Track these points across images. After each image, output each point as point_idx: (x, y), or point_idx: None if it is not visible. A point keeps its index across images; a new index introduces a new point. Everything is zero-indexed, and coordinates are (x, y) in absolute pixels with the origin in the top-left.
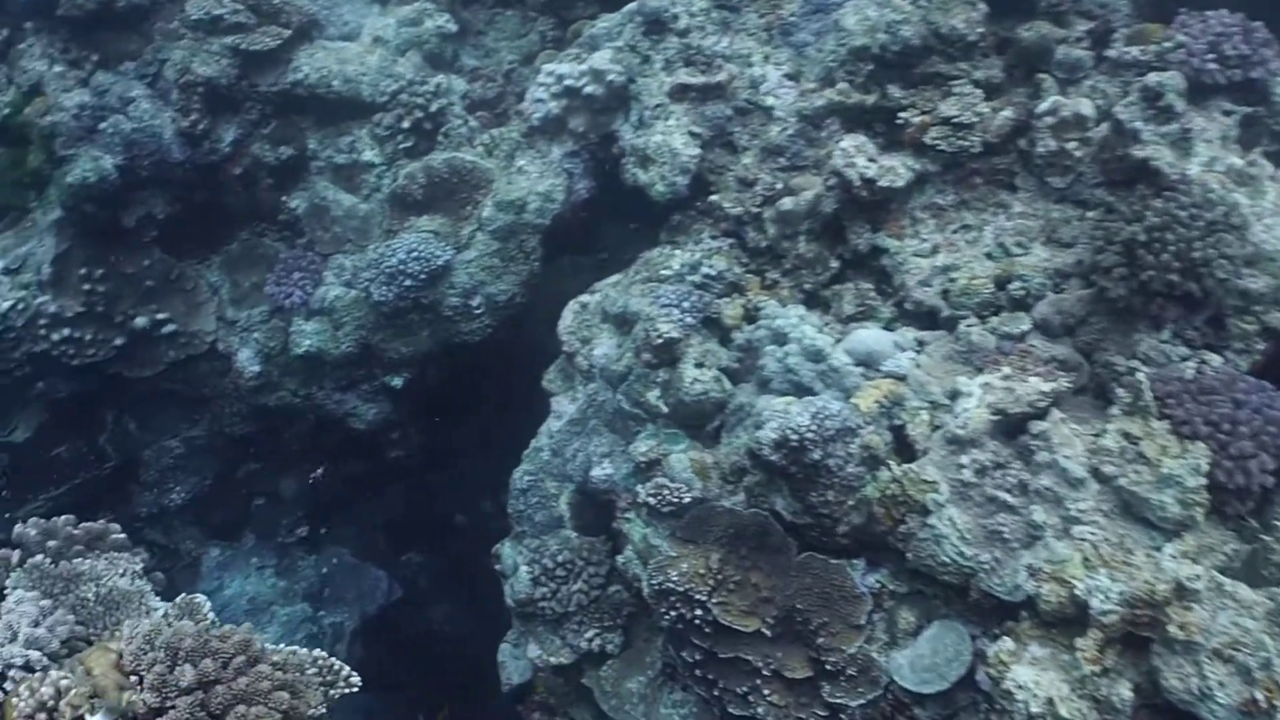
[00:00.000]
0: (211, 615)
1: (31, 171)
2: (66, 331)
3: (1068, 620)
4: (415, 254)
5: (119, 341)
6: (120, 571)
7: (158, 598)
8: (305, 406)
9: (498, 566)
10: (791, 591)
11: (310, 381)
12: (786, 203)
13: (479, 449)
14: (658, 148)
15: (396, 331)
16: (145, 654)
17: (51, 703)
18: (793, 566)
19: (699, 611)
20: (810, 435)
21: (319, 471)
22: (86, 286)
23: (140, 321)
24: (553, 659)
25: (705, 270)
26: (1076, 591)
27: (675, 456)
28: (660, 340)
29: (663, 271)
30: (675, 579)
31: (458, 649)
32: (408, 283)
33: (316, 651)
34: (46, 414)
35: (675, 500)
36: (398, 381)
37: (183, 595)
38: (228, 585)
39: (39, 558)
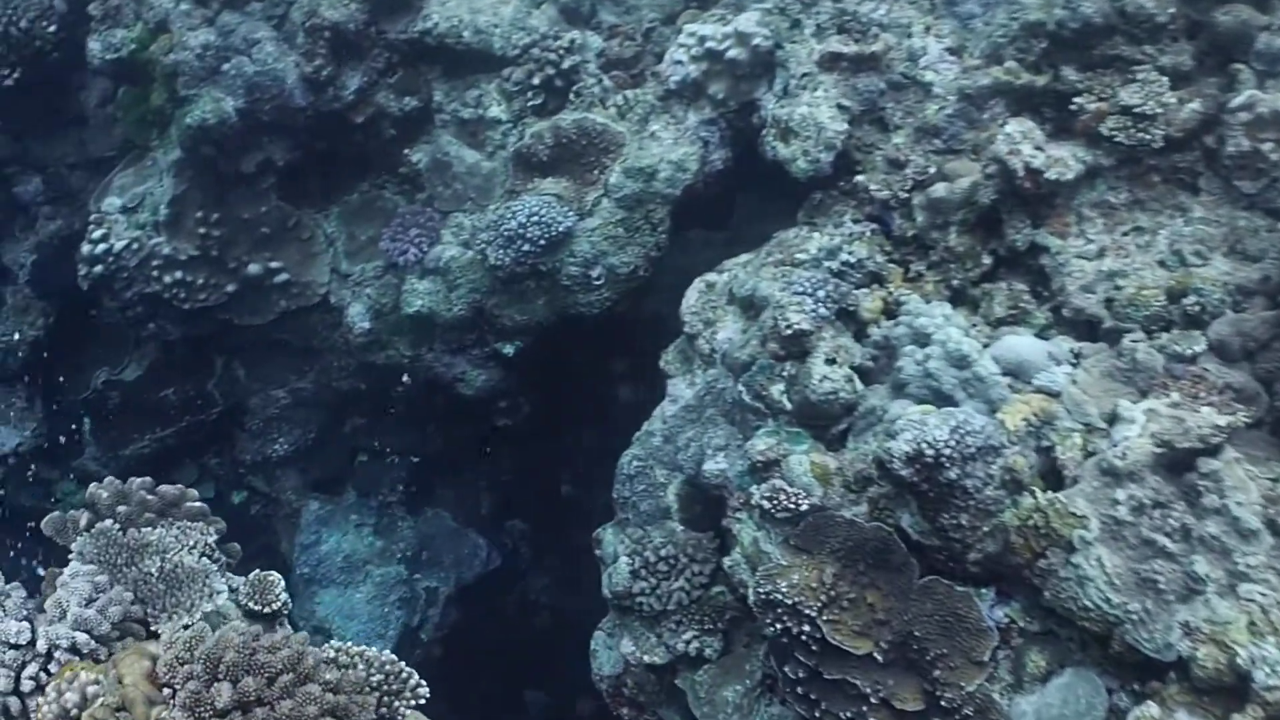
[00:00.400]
0: (284, 597)
1: (154, 110)
2: (179, 274)
3: (1224, 690)
4: (536, 218)
5: (231, 288)
6: (191, 544)
7: (225, 576)
8: (413, 368)
9: (598, 552)
10: (910, 616)
11: (420, 342)
12: (939, 189)
13: (591, 423)
14: (802, 120)
15: (512, 298)
16: (181, 665)
17: (75, 711)
18: (914, 589)
19: (806, 627)
20: (948, 451)
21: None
22: (202, 230)
23: (253, 269)
24: (646, 657)
25: (844, 257)
26: (1238, 659)
27: (795, 458)
28: (789, 331)
29: (798, 255)
30: (784, 590)
31: (555, 623)
32: (526, 248)
33: (386, 655)
34: (158, 355)
35: (791, 506)
36: (509, 349)
37: (255, 573)
38: (325, 540)
39: (108, 523)
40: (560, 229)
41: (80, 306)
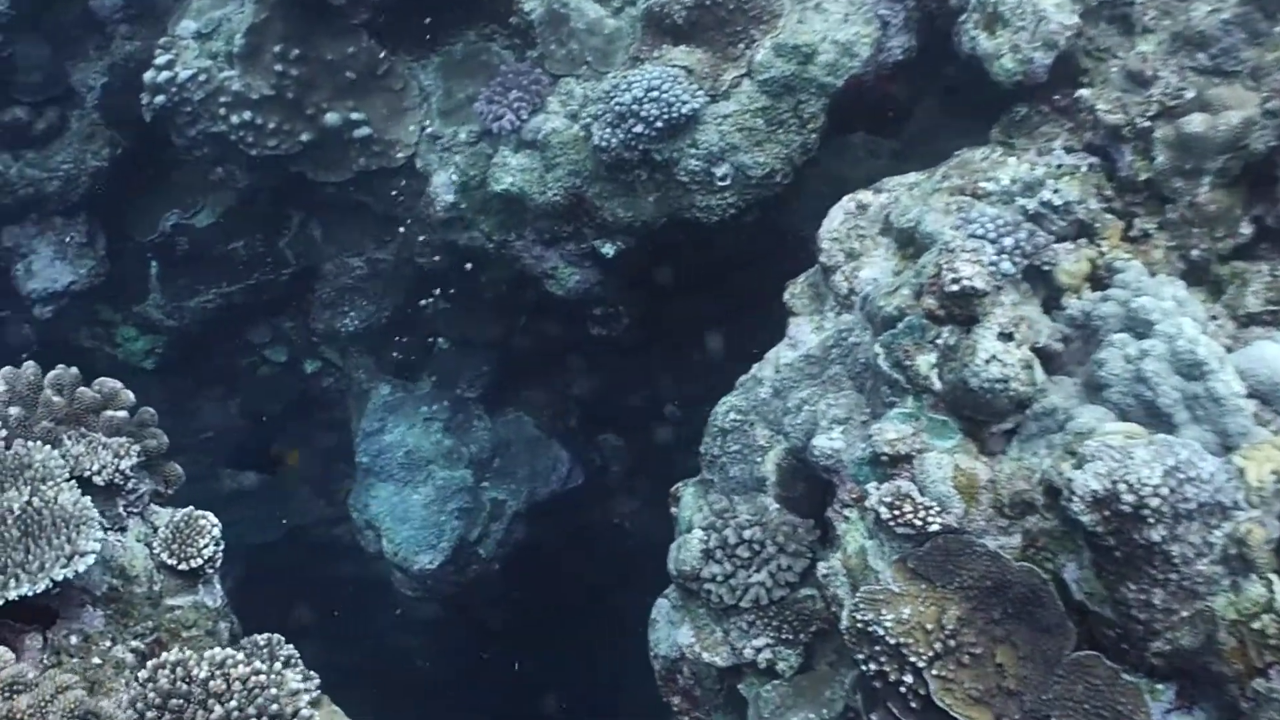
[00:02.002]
0: (210, 552)
1: None
2: (248, 115)
3: None
4: (655, 94)
5: (305, 137)
6: (93, 468)
7: (141, 514)
8: (497, 255)
9: (674, 510)
10: (1051, 696)
11: (507, 226)
12: (1196, 122)
13: (701, 345)
14: (1017, 4)
15: (617, 188)
16: None
17: None
18: (1064, 662)
19: (909, 678)
20: (1155, 501)
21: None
22: (279, 67)
23: (331, 118)
24: (706, 655)
25: (1046, 195)
26: None
27: (935, 458)
28: (955, 286)
29: (984, 184)
30: (889, 624)
31: (641, 554)
32: (638, 129)
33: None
34: (233, 203)
35: (917, 522)
36: (609, 249)
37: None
38: (390, 430)
39: None
40: (683, 111)
41: (153, 139)
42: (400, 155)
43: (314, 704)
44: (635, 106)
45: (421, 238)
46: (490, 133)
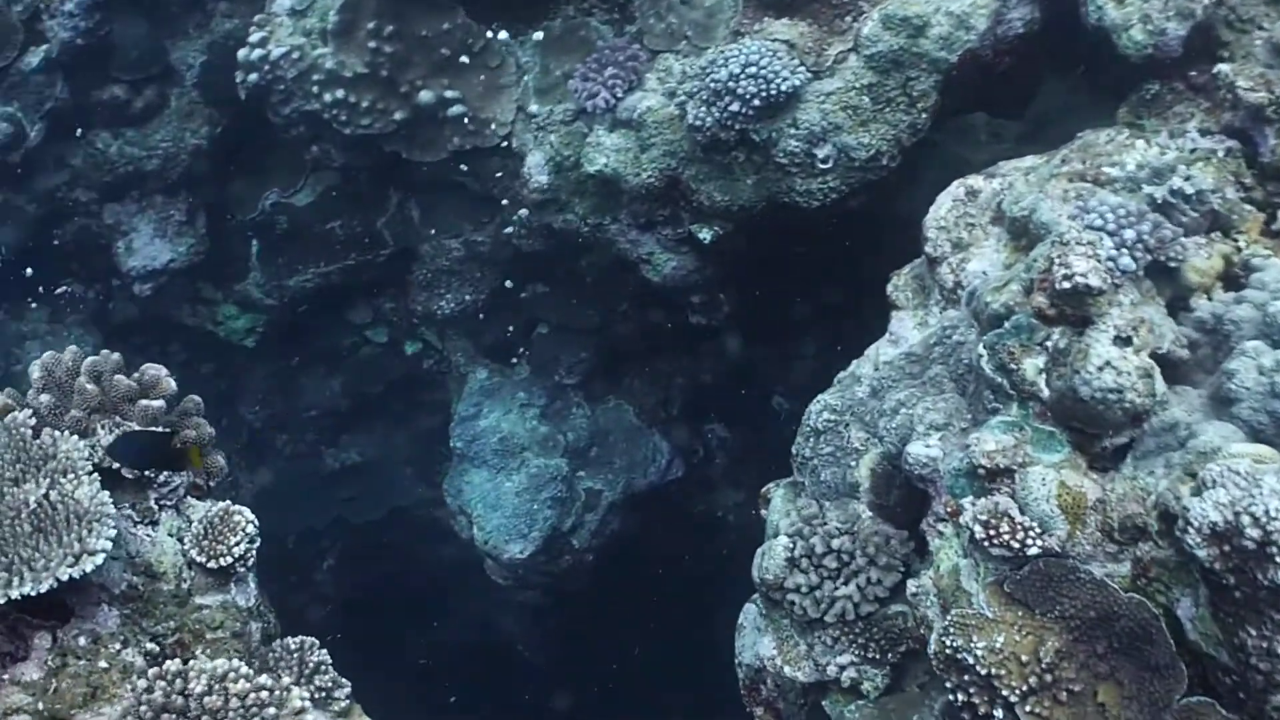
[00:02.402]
0: (242, 549)
1: None
2: (340, 93)
3: None
4: (752, 69)
5: (399, 115)
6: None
7: (116, 530)
8: (593, 239)
9: (763, 513)
10: None
11: (602, 209)
12: None
13: (811, 333)
14: None
15: (713, 170)
16: None
17: None
18: (1172, 707)
19: (1000, 713)
20: None
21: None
22: (372, 44)
23: (425, 96)
24: (787, 669)
25: (1177, 183)
26: None
27: (1039, 473)
28: (1068, 283)
29: (1108, 169)
30: (980, 652)
31: (744, 545)
32: (734, 107)
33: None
34: (332, 182)
35: (1015, 544)
36: (707, 234)
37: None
38: (485, 415)
39: (22, 415)
40: (782, 88)
41: (252, 117)
42: (496, 134)
43: (344, 714)
44: (731, 83)
45: (518, 217)
46: (585, 111)
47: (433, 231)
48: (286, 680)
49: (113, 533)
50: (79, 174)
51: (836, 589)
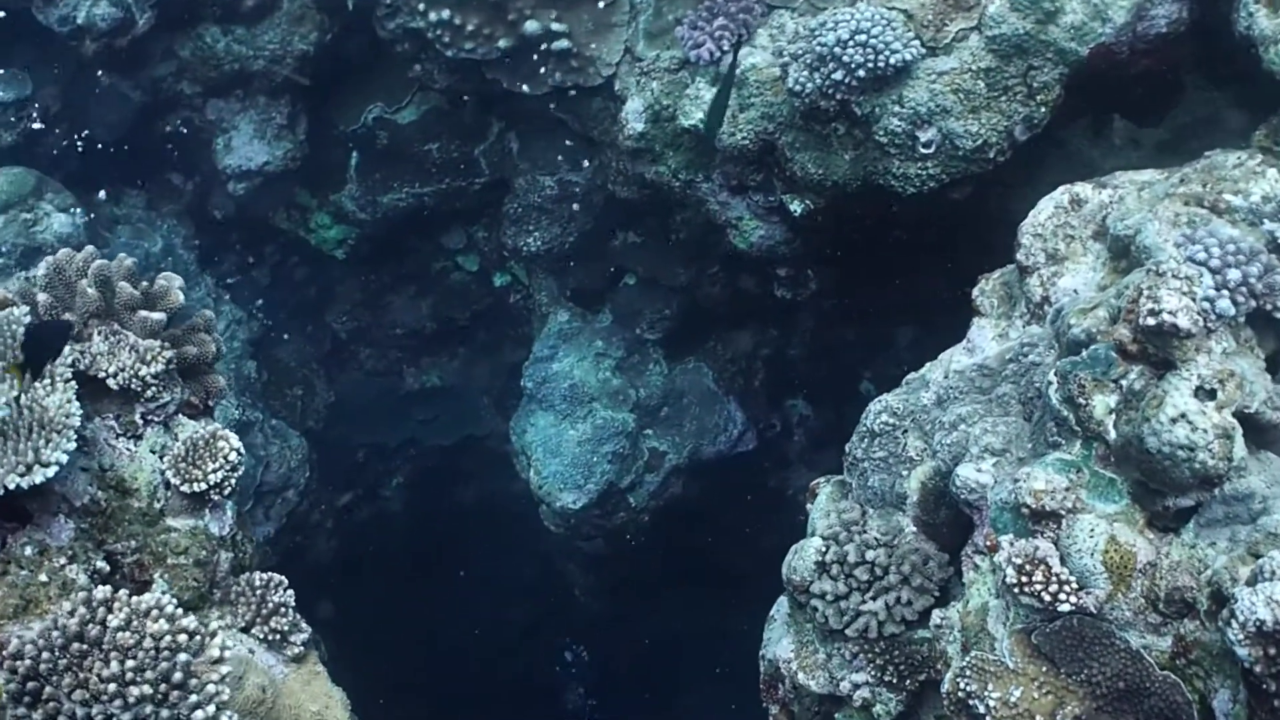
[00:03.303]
0: (220, 476)
1: None
2: (446, 14)
3: None
4: (862, 37)
5: (503, 43)
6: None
7: (164, 425)
8: (683, 196)
9: (809, 506)
10: None
11: (695, 165)
12: None
13: (906, 320)
14: None
15: (810, 139)
16: None
17: None
18: None
19: None
20: None
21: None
22: None
23: (531, 26)
24: (801, 675)
25: None
26: None
27: (1089, 522)
28: (1153, 320)
29: (1229, 196)
30: (994, 703)
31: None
32: (838, 75)
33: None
34: (437, 103)
35: (1047, 596)
36: (797, 206)
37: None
38: (560, 358)
39: (15, 312)
40: (891, 60)
41: (361, 29)
42: (599, 74)
43: (297, 660)
44: (838, 49)
45: (617, 165)
46: (688, 61)
47: (528, 166)
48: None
49: (71, 446)
50: (185, 66)
51: (863, 602)
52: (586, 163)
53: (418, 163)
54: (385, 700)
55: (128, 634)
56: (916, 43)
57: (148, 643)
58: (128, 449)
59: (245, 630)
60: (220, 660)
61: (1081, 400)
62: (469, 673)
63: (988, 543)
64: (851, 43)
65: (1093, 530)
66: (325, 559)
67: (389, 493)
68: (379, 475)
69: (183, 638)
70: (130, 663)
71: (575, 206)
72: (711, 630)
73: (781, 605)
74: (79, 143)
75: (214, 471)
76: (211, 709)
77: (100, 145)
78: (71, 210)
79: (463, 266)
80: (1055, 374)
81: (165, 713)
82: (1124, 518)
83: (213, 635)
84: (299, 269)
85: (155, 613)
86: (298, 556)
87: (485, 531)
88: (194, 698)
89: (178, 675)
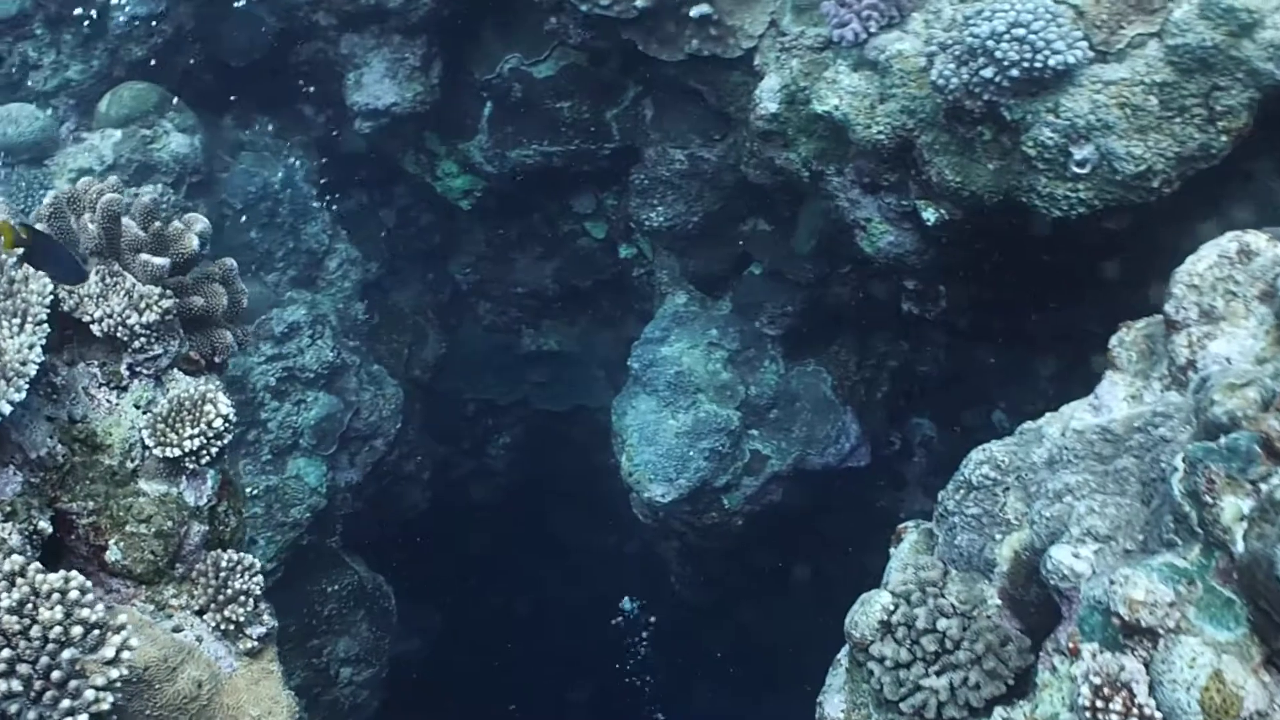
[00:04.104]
0: (197, 445)
1: None
2: None
3: None
4: (1020, 31)
5: (641, 3)
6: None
7: (157, 377)
8: (813, 187)
9: (892, 550)
10: None
11: (826, 156)
12: None
13: (1048, 351)
14: None
15: (953, 143)
16: None
17: None
18: None
19: None
20: None
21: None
22: None
23: None
24: None
25: None
26: None
27: (1192, 647)
28: None
29: None
30: None
31: None
32: (988, 72)
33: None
34: (578, 61)
35: None
36: (931, 215)
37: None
38: (670, 342)
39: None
40: (1050, 62)
41: None
42: (739, 46)
43: (252, 654)
44: (991, 43)
45: (750, 145)
46: (831, 42)
47: (659, 136)
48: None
49: (19, 396)
50: None
51: (926, 676)
52: (720, 140)
53: (549, 120)
54: (442, 659)
55: (14, 619)
56: (1084, 44)
57: (35, 631)
58: (108, 401)
59: (200, 614)
60: (115, 662)
61: (1209, 498)
62: (539, 648)
63: (1070, 644)
64: (1008, 36)
65: (1194, 659)
66: (417, 510)
67: (494, 451)
68: (486, 433)
69: (77, 630)
70: (5, 653)
71: (703, 185)
72: (795, 644)
73: (845, 654)
74: (209, 63)
75: (191, 438)
76: (84, 718)
77: (231, 68)
78: (191, 130)
79: (590, 233)
80: (1183, 459)
81: (32, 714)
82: (1236, 650)
83: (117, 630)
84: (425, 215)
85: (56, 597)
86: (388, 506)
87: (587, 504)
88: (67, 702)
89: (57, 674)
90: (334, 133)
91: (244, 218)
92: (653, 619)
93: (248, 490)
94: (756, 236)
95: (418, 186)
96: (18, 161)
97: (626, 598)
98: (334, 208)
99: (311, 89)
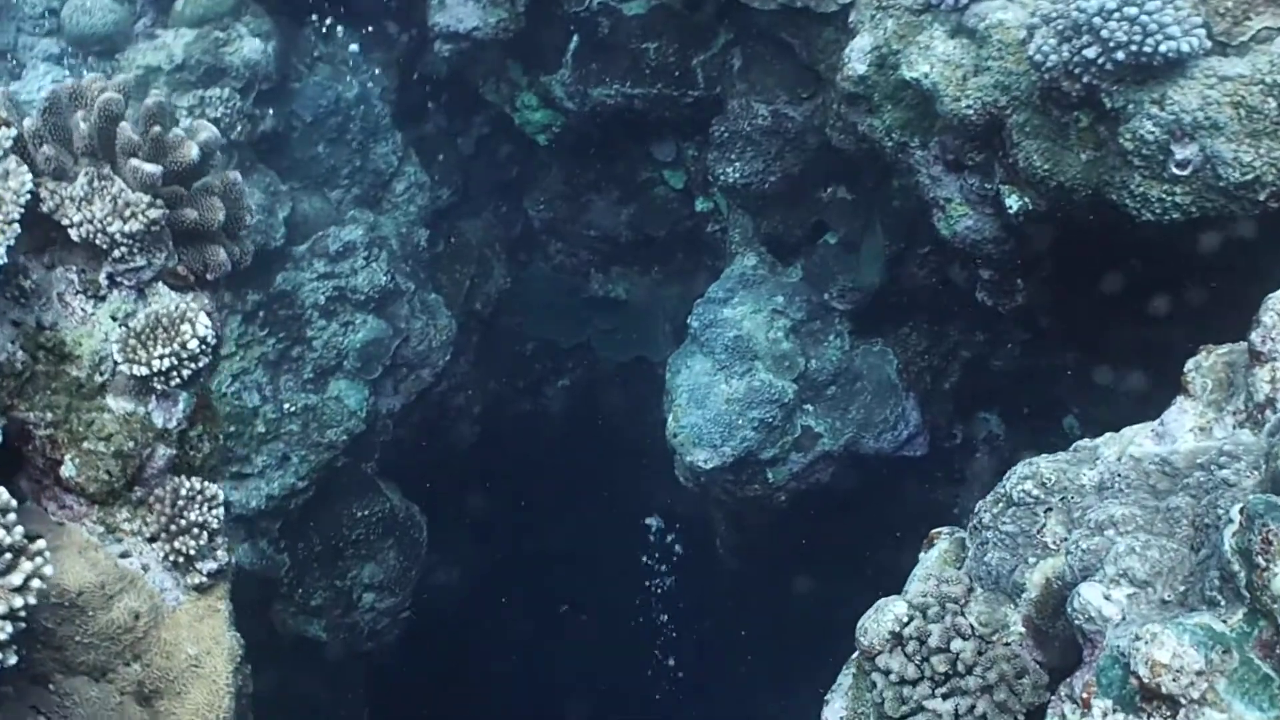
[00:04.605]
0: (172, 358)
1: None
2: None
3: None
4: (1132, 10)
5: None
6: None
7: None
8: (894, 160)
9: (921, 554)
10: None
11: (911, 128)
12: None
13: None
14: None
15: (1044, 126)
16: None
17: None
18: None
19: None
20: None
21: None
22: None
23: None
24: None
25: None
26: None
27: None
28: None
29: None
30: None
31: None
32: (1091, 52)
33: None
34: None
35: None
36: (1015, 202)
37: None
38: (733, 304)
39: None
40: (1161, 48)
41: None
42: (836, 1)
43: (201, 590)
44: (1098, 20)
45: (837, 107)
46: (931, 4)
47: (745, 88)
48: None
49: None
50: None
51: (929, 698)
52: (808, 98)
53: (634, 60)
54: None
55: None
56: (1202, 32)
57: None
58: (83, 310)
59: (151, 541)
60: (24, 589)
61: (1262, 560)
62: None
63: (1084, 693)
64: (1118, 15)
65: None
66: (464, 444)
67: (551, 393)
68: (545, 374)
69: None
70: None
71: (785, 144)
72: (828, 626)
73: (847, 671)
74: None
75: (161, 357)
76: None
77: None
78: (266, 36)
79: (668, 181)
80: (1241, 510)
81: None
82: None
83: (33, 556)
84: (504, 146)
85: None
86: (433, 437)
87: (641, 457)
88: None
89: None
90: (415, 53)
91: (313, 131)
92: (677, 545)
93: (286, 406)
94: (836, 205)
95: (497, 116)
96: (89, 53)
97: (653, 516)
98: (408, 130)
99: (395, 4)
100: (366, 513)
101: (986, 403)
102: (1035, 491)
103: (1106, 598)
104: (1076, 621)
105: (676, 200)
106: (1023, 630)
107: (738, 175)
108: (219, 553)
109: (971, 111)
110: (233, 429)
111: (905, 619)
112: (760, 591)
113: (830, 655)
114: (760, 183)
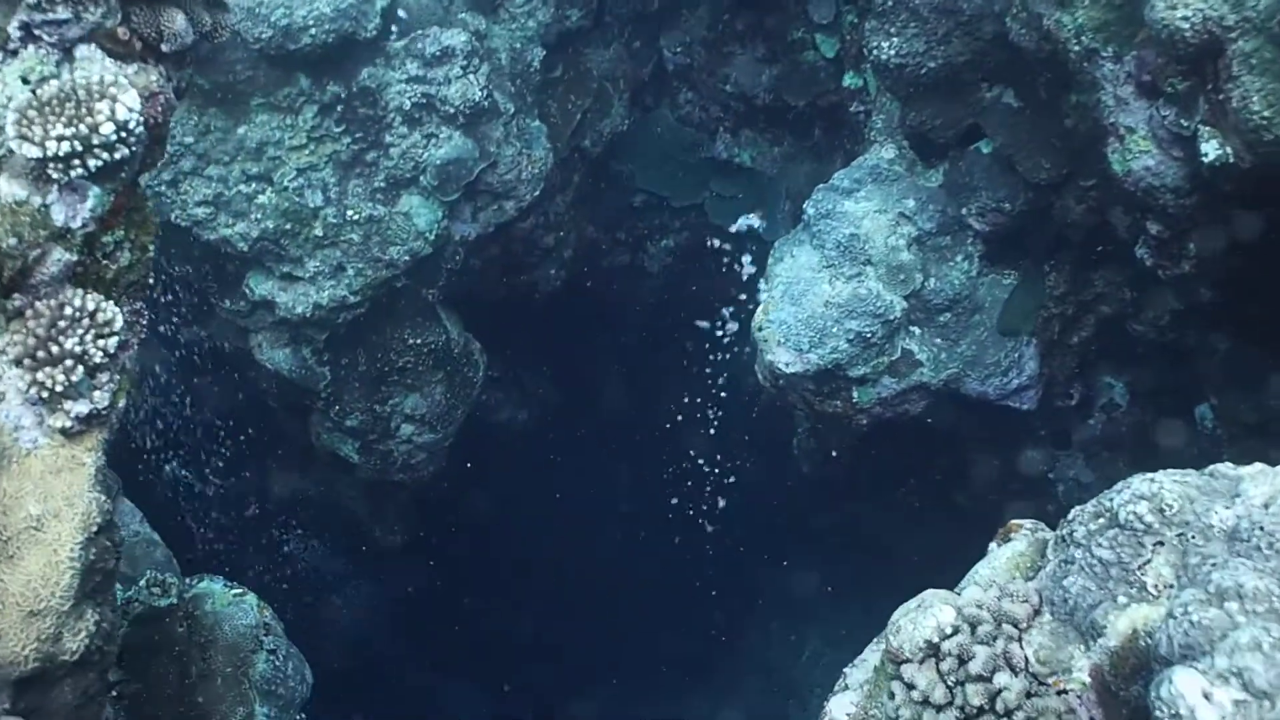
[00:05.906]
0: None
1: None
2: None
3: None
4: None
5: None
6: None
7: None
8: (1077, 68)
9: (993, 546)
10: None
11: (1103, 32)
12: None
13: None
14: None
15: (1275, 62)
16: None
17: None
18: None
19: None
20: None
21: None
22: None
23: None
24: None
25: None
26: None
27: None
28: None
29: None
30: None
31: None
32: None
33: None
34: None
35: None
36: (1213, 149)
37: None
38: (855, 198)
39: None
40: None
41: None
42: None
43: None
44: None
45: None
46: None
47: None
48: None
49: None
50: None
51: (945, 713)
52: None
53: (746, 37)
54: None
55: None
56: None
57: None
58: None
59: (17, 364)
60: None
61: None
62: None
63: None
64: None
65: None
66: (548, 287)
67: (653, 251)
68: (649, 231)
69: None
70: None
71: (955, 26)
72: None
73: (876, 650)
74: None
75: (60, 139)
76: None
77: None
78: None
79: (819, 47)
80: None
81: None
82: None
83: None
84: None
85: None
86: (511, 274)
87: (729, 340)
88: None
89: None
90: None
91: None
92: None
93: (349, 214)
94: (998, 110)
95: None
96: None
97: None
98: None
99: None
100: (419, 341)
101: (1115, 368)
102: (1149, 518)
103: (1207, 697)
104: (1157, 710)
105: (825, 69)
106: (1087, 681)
107: (893, 52)
108: (98, 394)
109: (1187, 25)
110: (288, 226)
111: (949, 629)
112: (822, 507)
113: (865, 597)
114: (917, 66)
